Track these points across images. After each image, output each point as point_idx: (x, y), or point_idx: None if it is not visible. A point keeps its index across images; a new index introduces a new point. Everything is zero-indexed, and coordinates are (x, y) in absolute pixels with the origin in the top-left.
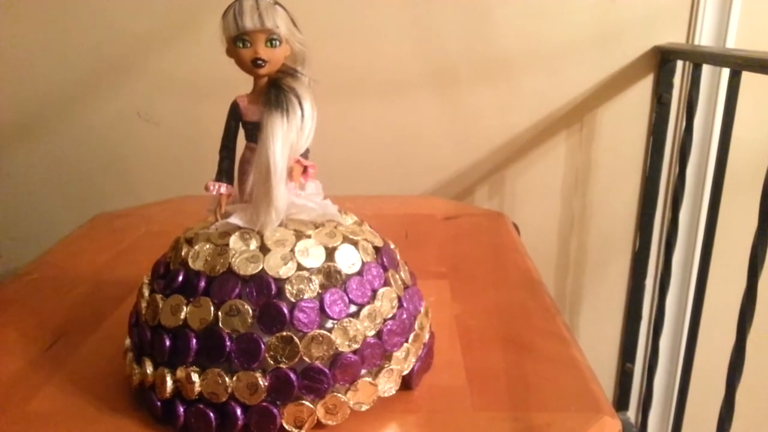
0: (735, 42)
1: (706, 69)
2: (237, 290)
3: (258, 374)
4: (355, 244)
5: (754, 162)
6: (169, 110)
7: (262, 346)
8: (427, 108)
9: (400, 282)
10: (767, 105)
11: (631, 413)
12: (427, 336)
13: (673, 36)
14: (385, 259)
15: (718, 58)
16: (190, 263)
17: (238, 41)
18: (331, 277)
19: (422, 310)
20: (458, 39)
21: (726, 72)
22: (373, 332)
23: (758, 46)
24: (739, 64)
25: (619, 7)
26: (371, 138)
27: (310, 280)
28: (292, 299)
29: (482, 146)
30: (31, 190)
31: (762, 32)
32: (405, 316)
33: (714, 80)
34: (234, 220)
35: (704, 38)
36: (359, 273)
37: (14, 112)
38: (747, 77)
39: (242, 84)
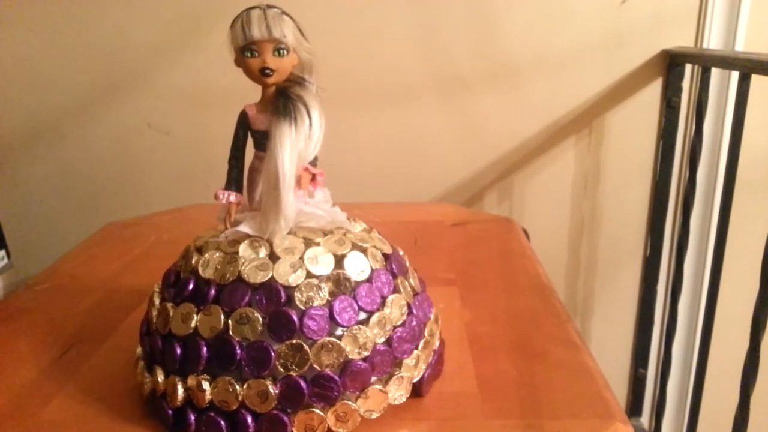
0: (744, 45)
1: (715, 72)
2: (247, 298)
3: (268, 382)
4: (364, 251)
5: (765, 165)
6: (178, 120)
7: (272, 353)
8: (436, 114)
9: (409, 289)
10: None
11: (645, 419)
12: (437, 343)
13: (682, 40)
14: (394, 266)
15: (727, 62)
16: (200, 271)
17: (246, 51)
18: (340, 284)
19: (432, 316)
20: (466, 45)
21: (735, 75)
22: (383, 339)
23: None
24: (749, 67)
25: (627, 11)
26: (380, 145)
27: (319, 287)
28: (302, 307)
29: (491, 152)
30: (42, 199)
31: None
32: (415, 323)
33: (723, 84)
34: (243, 228)
35: (713, 41)
36: (368, 280)
37: (25, 122)
38: (756, 80)
39: (251, 93)
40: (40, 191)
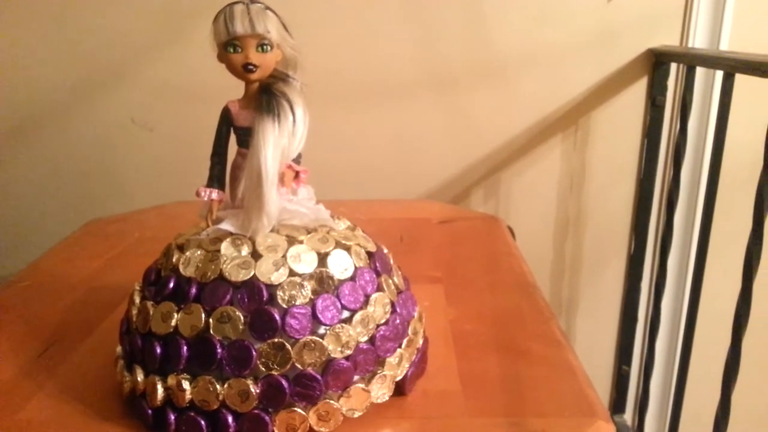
0: (728, 44)
1: (700, 71)
2: (228, 297)
3: (249, 381)
4: (347, 249)
5: (748, 164)
6: (162, 116)
7: (254, 352)
8: (422, 112)
9: (393, 287)
10: (761, 107)
11: (628, 416)
12: (420, 341)
13: (667, 39)
14: (378, 264)
15: (712, 61)
16: (181, 270)
17: (228, 46)
18: (323, 282)
19: (416, 315)
20: (454, 43)
21: (720, 74)
22: (365, 338)
23: (751, 48)
24: (733, 67)
25: (614, 10)
26: (366, 142)
27: (302, 285)
28: (284, 305)
29: (477, 150)
30: (24, 195)
31: (755, 34)
32: (398, 321)
33: (708, 82)
34: (225, 225)
35: (698, 41)
36: (352, 278)
37: (8, 117)
38: (740, 79)
39: (235, 89)
40: (21, 187)
